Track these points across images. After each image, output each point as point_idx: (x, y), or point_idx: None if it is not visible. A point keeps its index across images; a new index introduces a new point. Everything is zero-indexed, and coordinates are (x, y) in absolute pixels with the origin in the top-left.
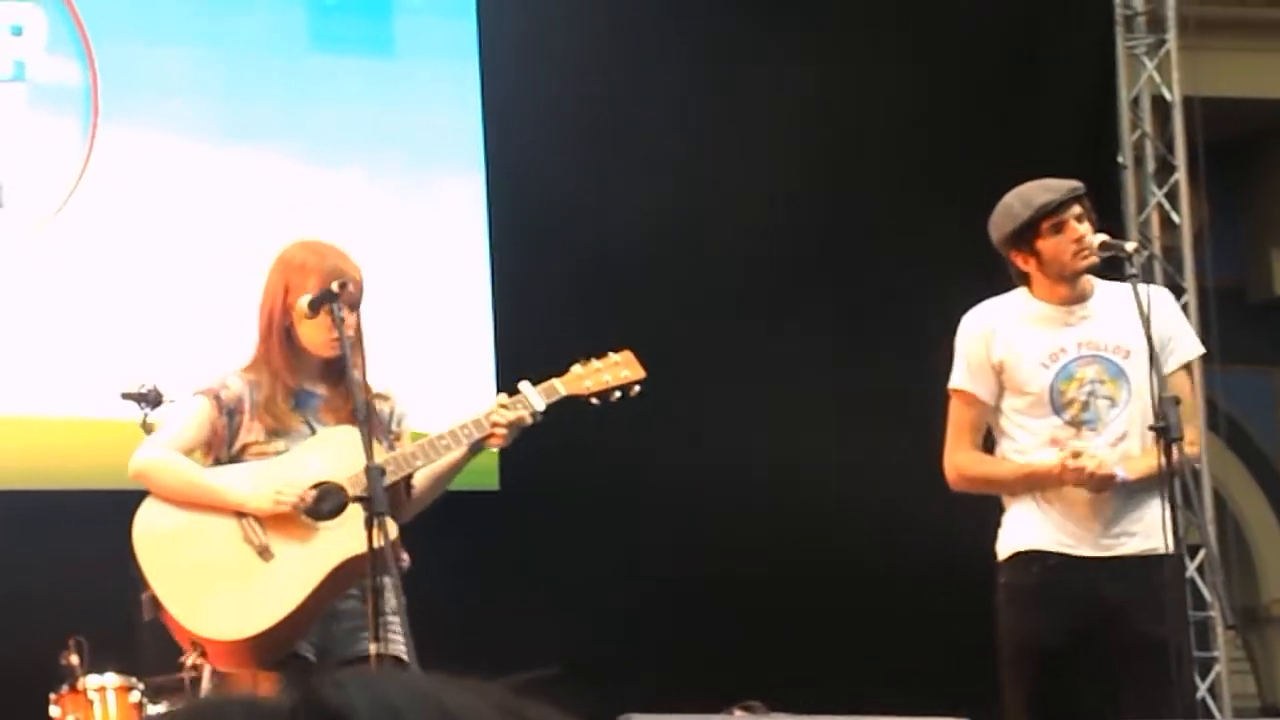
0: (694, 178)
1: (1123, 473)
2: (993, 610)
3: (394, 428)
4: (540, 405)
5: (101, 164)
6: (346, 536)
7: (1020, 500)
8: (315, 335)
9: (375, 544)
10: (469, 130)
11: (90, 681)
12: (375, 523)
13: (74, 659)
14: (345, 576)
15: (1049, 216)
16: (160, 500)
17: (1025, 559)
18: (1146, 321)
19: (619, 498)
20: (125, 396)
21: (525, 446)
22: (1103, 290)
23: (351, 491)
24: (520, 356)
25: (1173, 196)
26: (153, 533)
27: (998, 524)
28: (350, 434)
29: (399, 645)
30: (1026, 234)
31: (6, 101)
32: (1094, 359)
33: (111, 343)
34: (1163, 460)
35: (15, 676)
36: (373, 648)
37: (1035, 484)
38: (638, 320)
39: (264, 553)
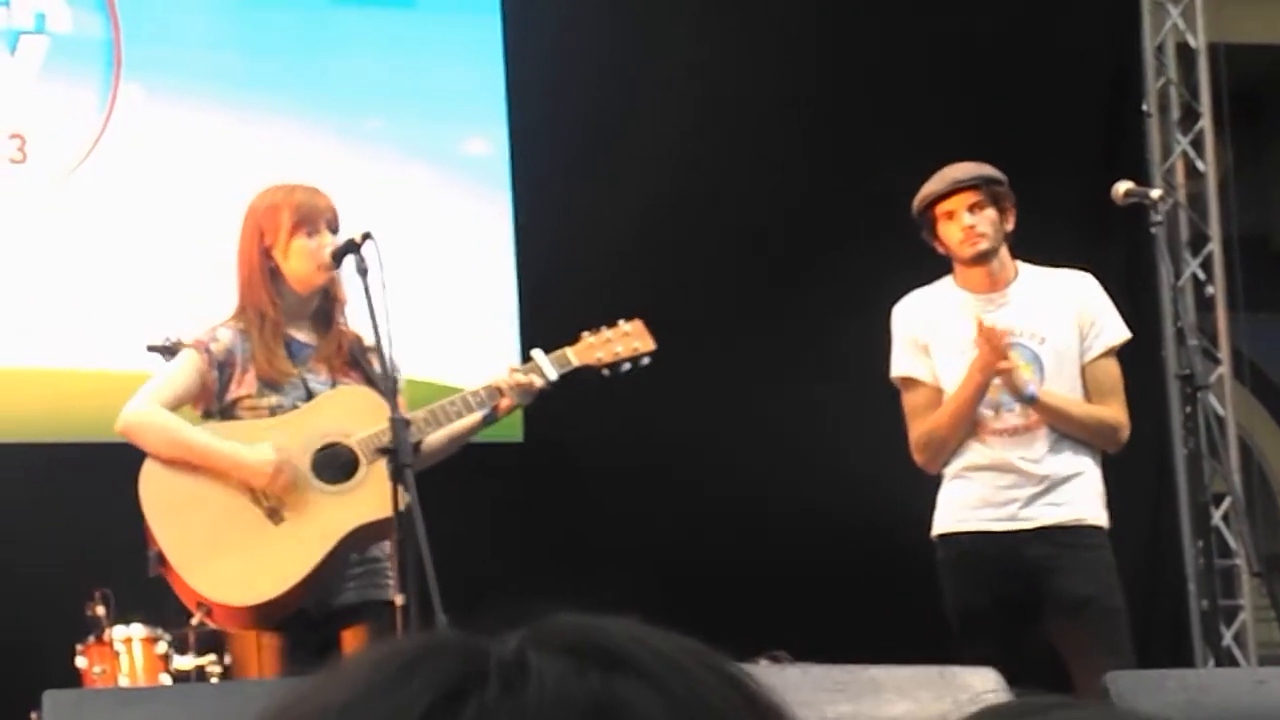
0: (720, 129)
1: (1033, 389)
2: None
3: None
4: (553, 374)
5: (123, 117)
6: (358, 502)
7: (950, 481)
8: (302, 265)
9: (399, 498)
10: (492, 83)
11: (116, 633)
12: (400, 475)
13: (100, 610)
14: (355, 542)
15: (936, 205)
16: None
17: (947, 540)
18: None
19: (640, 449)
20: (151, 349)
21: (550, 399)
22: (1027, 276)
23: (361, 456)
24: (545, 310)
25: (1198, 144)
26: (161, 489)
27: None
28: (356, 394)
29: (386, 592)
30: (925, 222)
31: (28, 54)
32: (1010, 345)
33: (137, 296)
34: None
35: (42, 628)
36: (398, 599)
37: (969, 397)
38: (662, 273)
39: (274, 515)
